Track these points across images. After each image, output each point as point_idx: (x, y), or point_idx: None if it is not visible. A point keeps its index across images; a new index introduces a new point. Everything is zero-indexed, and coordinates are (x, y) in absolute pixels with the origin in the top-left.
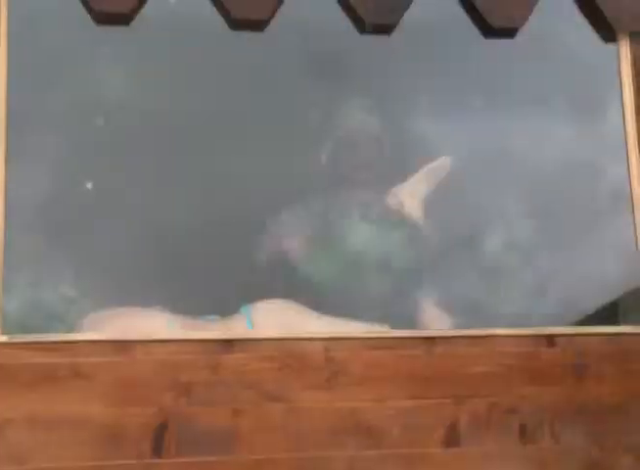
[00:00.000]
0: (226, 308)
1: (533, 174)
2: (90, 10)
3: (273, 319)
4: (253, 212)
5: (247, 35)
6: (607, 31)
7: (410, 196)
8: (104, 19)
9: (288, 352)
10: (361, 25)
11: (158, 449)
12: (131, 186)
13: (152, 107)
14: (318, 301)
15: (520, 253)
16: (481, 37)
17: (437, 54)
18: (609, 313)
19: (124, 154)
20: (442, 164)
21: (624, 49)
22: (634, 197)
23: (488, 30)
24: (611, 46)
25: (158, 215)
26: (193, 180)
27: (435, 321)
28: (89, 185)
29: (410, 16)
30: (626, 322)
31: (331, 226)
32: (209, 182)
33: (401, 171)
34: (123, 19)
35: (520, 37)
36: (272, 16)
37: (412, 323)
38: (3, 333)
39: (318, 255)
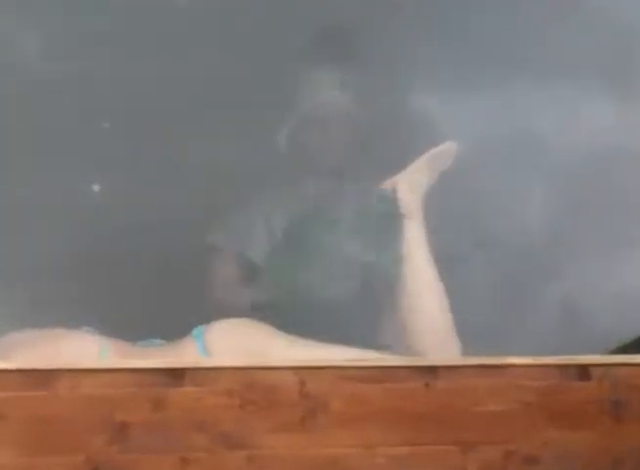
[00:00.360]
0: (173, 330)
1: (560, 163)
2: None
3: (233, 344)
4: (204, 210)
5: None
6: None
7: (408, 189)
8: None
9: (251, 385)
10: None
11: None
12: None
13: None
14: (289, 320)
15: (543, 261)
16: None
17: (442, 16)
18: None
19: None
20: (447, 150)
21: None
22: None
23: None
24: None
25: (88, 214)
26: (125, 170)
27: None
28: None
29: None
30: None
31: (300, 227)
32: (147, 173)
33: (397, 159)
34: None
35: None
36: None
37: (407, 349)
38: None
39: (286, 263)
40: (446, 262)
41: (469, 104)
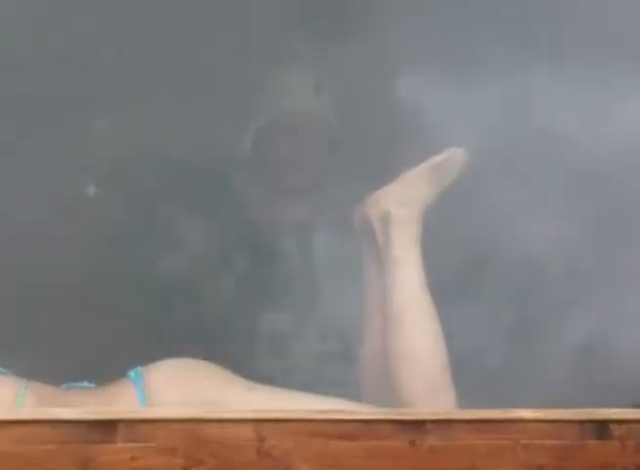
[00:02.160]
0: (106, 371)
1: (586, 167)
2: None
3: (178, 389)
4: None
5: None
6: None
7: (400, 204)
8: None
9: (200, 442)
10: None
11: None
12: None
13: None
14: (246, 360)
15: (557, 293)
16: None
17: None
18: None
19: None
20: (452, 158)
21: None
22: None
23: None
24: None
25: None
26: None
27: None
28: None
29: None
30: None
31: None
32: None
33: (382, 170)
34: None
35: None
36: None
37: (391, 398)
38: None
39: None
40: (440, 292)
41: (471, 98)
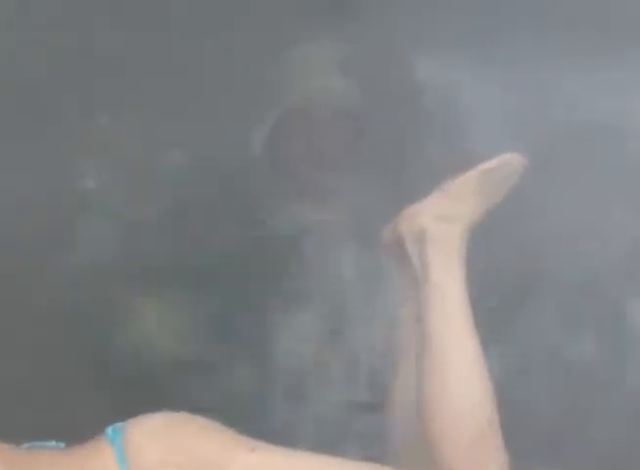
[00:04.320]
0: (79, 429)
1: None
2: None
3: (163, 448)
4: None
5: None
6: None
7: (440, 220)
8: None
9: None
10: None
11: None
12: None
13: None
14: (249, 415)
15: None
16: None
17: None
18: None
19: None
20: (505, 164)
21: None
22: None
23: None
24: None
25: None
26: None
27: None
28: None
29: None
30: None
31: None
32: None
33: (412, 180)
34: None
35: None
36: None
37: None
38: None
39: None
40: (479, 326)
41: (506, 83)
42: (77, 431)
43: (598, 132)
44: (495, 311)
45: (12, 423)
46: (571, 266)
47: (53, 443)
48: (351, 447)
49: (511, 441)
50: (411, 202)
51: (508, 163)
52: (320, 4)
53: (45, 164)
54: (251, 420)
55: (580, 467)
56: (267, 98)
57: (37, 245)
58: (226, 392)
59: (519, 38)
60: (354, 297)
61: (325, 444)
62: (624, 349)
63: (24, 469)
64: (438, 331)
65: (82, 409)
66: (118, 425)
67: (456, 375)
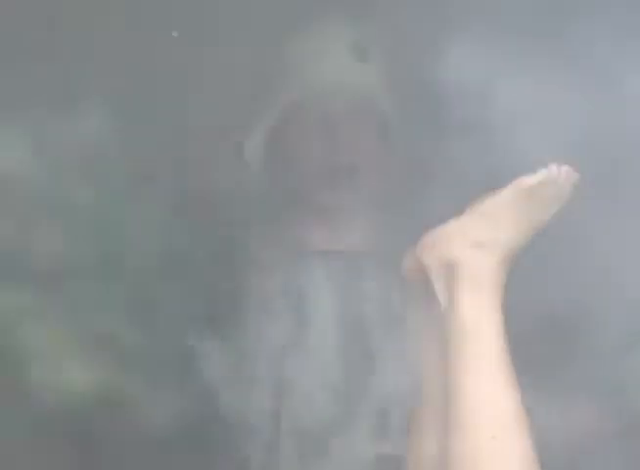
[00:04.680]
0: None
1: None
2: None
3: None
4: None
5: None
6: None
7: (472, 247)
8: None
9: None
10: None
11: None
12: None
13: None
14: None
15: None
16: None
17: None
18: None
19: None
20: (550, 179)
21: None
22: None
23: None
24: None
25: None
26: None
27: None
28: None
29: None
30: None
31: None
32: None
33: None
34: None
35: None
36: None
37: None
38: None
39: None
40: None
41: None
42: None
43: None
44: (538, 357)
45: None
46: (619, 304)
47: None
48: None
49: None
50: (435, 224)
51: (555, 177)
52: None
53: None
54: None
55: None
56: (263, 93)
57: None
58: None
59: (568, 28)
60: (374, 338)
61: None
62: None
63: None
64: (468, 381)
65: None
66: None
67: (490, 434)
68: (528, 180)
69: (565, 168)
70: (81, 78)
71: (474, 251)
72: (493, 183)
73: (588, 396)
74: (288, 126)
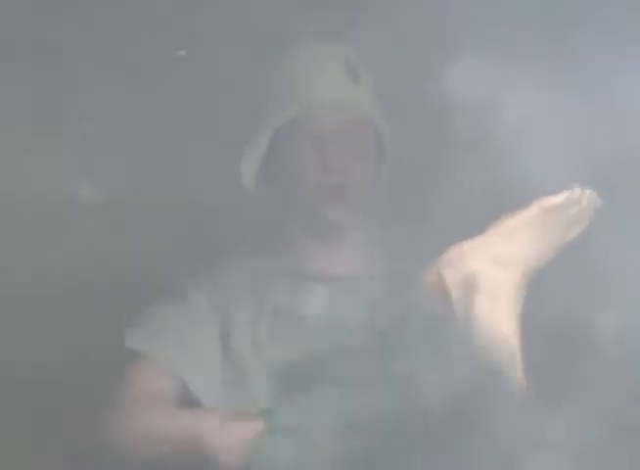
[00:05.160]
0: None
1: None
2: None
3: None
4: None
5: None
6: None
7: (492, 264)
8: None
9: None
10: None
11: None
12: None
13: None
14: None
15: None
16: None
17: None
18: None
19: None
20: (572, 201)
21: None
22: None
23: None
24: None
25: None
26: None
27: None
28: None
29: None
30: None
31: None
32: None
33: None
34: None
35: None
36: None
37: None
38: None
39: None
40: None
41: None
42: None
43: None
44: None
45: None
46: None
47: None
48: None
49: None
50: (448, 243)
51: (577, 200)
52: None
53: None
54: None
55: None
56: (257, 112)
57: None
58: None
59: (569, 39)
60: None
61: None
62: None
63: None
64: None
65: None
66: None
67: None
68: (551, 200)
69: (587, 193)
70: None
71: (494, 267)
72: (495, 200)
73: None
74: (282, 145)
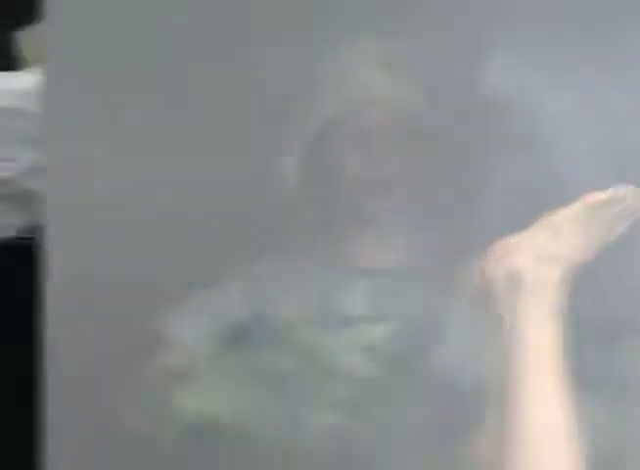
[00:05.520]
0: None
1: None
2: None
3: None
4: None
5: None
6: None
7: (538, 261)
8: None
9: None
10: None
11: None
12: None
13: None
14: None
15: None
16: None
17: None
18: None
19: None
20: (618, 198)
21: None
22: None
23: None
24: None
25: None
26: None
27: None
28: None
29: None
30: None
31: None
32: None
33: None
34: None
35: None
36: None
37: None
38: None
39: None
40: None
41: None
42: None
43: None
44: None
45: None
46: None
47: None
48: None
49: None
50: (492, 240)
51: (622, 197)
52: None
53: None
54: None
55: None
56: (299, 111)
57: None
58: None
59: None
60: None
61: None
62: None
63: None
64: (516, 395)
65: None
66: None
67: (542, 449)
68: (596, 197)
69: (633, 190)
70: None
71: (538, 263)
72: (540, 196)
73: None
74: (324, 142)
